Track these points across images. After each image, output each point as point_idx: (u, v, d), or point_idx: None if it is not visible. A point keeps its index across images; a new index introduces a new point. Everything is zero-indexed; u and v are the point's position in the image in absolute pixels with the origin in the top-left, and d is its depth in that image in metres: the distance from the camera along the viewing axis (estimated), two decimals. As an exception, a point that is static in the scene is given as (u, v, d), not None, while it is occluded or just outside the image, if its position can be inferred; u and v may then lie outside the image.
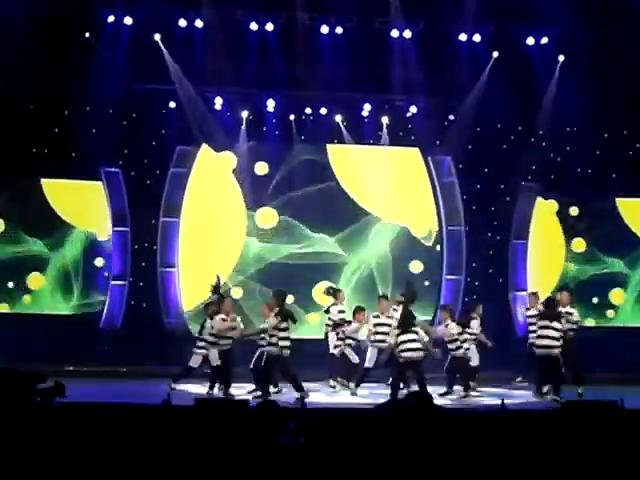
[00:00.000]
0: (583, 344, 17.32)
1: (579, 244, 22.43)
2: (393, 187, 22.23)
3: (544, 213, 22.46)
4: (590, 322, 21.83)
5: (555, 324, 15.85)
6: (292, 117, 21.71)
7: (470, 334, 16.96)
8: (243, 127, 21.63)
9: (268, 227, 22.03)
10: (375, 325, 16.91)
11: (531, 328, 17.28)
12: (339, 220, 22.13)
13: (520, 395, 16.51)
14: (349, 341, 17.25)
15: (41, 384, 8.46)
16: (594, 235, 22.40)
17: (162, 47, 20.32)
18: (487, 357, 17.47)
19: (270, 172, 22.02)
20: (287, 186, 22.05)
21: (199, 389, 16.40)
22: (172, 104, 21.20)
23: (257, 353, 16.17)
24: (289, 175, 22.06)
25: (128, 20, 20.15)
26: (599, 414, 8.57)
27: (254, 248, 22.02)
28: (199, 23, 20.39)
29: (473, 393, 16.49)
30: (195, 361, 16.58)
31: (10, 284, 21.15)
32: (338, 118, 21.78)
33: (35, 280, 21.31)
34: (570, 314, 16.92)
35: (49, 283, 21.35)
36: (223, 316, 16.23)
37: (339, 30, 20.62)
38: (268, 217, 22.06)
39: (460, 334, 16.63)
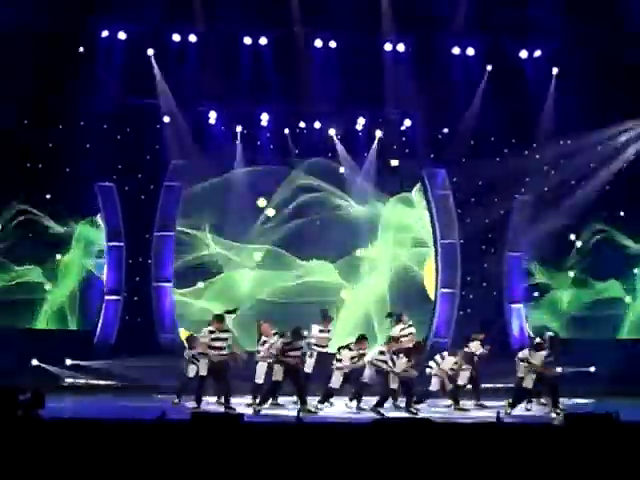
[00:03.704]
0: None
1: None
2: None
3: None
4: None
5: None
6: (286, 131, 21.69)
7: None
8: (238, 141, 21.65)
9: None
10: None
11: None
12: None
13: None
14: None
15: (22, 395, 8.38)
16: (591, 254, 22.32)
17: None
18: (481, 369, 17.53)
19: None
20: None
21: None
22: (166, 119, 21.20)
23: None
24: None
25: (122, 35, 20.20)
26: (595, 427, 8.57)
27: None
28: (193, 38, 20.44)
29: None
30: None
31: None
32: (332, 132, 21.77)
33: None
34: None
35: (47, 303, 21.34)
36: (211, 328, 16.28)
37: (332, 44, 20.67)
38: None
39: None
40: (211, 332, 16.16)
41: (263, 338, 16.66)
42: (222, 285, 21.89)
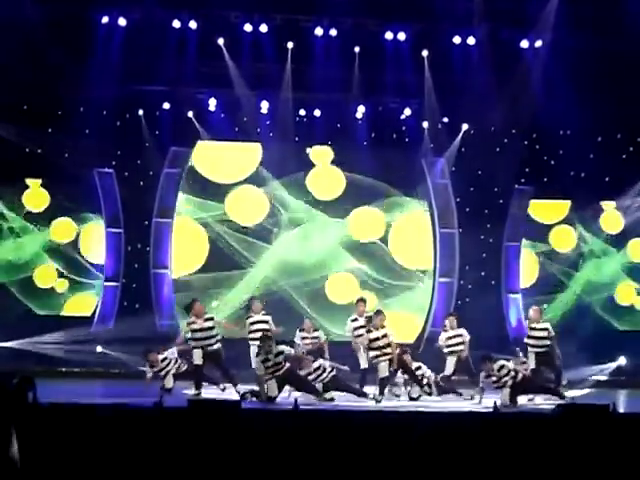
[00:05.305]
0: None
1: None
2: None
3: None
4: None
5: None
6: (286, 119, 21.64)
7: None
8: (237, 129, 21.63)
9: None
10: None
11: None
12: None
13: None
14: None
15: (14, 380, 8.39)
16: (587, 239, 22.39)
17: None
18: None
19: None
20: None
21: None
22: (166, 105, 21.18)
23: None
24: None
25: (122, 21, 20.14)
26: (591, 418, 8.59)
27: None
28: (193, 24, 20.39)
29: None
30: None
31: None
32: (332, 120, 21.74)
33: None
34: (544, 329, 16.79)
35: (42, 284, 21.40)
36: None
37: (333, 32, 20.63)
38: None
39: None
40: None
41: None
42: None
